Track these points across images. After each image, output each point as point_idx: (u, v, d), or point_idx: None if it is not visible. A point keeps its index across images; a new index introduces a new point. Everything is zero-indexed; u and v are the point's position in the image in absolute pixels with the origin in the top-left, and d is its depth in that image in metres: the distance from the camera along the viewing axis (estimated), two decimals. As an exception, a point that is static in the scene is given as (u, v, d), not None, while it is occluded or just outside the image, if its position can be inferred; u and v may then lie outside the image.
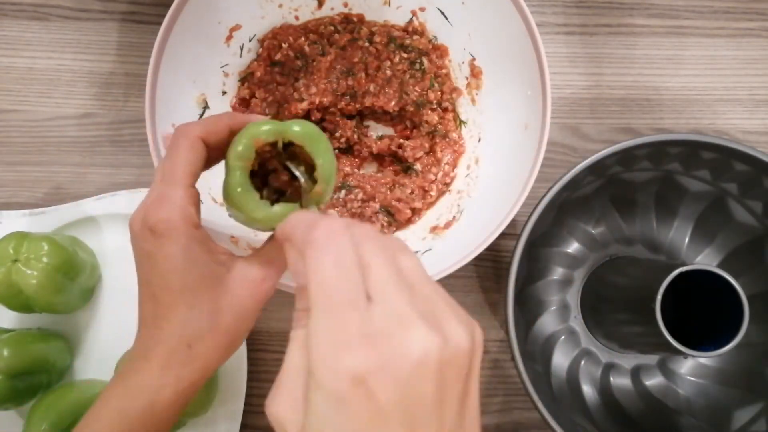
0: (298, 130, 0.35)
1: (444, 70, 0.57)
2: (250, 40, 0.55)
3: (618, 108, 0.61)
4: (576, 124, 0.61)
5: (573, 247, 0.57)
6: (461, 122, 0.57)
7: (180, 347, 0.34)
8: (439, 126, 0.57)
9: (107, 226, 0.57)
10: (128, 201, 0.57)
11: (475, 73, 0.55)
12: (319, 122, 0.57)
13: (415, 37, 0.57)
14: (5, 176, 0.60)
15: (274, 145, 0.35)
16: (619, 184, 0.54)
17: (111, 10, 0.61)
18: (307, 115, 0.56)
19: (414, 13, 0.56)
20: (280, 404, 0.26)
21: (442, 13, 0.54)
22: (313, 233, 0.27)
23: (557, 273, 0.57)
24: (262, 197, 0.35)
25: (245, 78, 0.56)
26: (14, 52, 0.61)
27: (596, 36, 0.62)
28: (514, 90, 0.51)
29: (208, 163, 0.37)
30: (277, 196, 0.37)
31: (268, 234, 0.39)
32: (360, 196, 0.56)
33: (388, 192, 0.56)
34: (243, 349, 0.55)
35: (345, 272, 0.26)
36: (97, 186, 0.59)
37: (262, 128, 0.35)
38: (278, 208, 0.35)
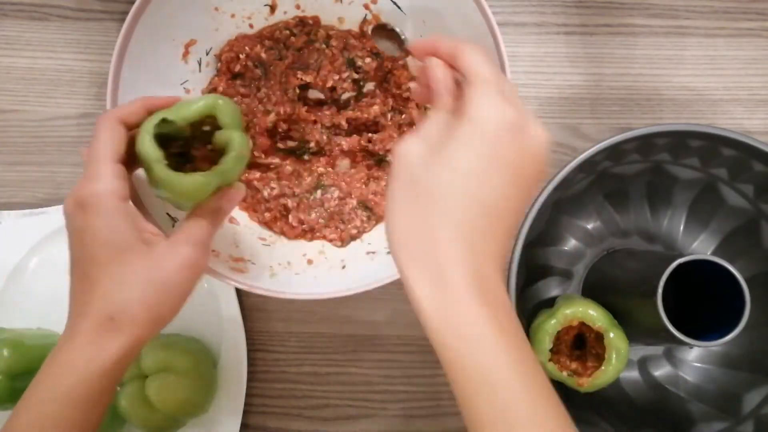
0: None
1: (401, 62, 0.56)
2: (207, 54, 0.54)
3: (618, 108, 0.61)
4: (576, 124, 0.61)
5: (570, 244, 0.57)
6: (426, 109, 0.56)
7: (103, 320, 0.34)
8: (403, 116, 0.56)
9: (107, 226, 0.57)
10: (128, 201, 0.57)
11: None
12: (287, 132, 0.57)
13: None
14: (5, 176, 0.60)
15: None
16: (611, 179, 0.54)
17: (111, 10, 0.61)
18: (275, 127, 0.56)
19: (367, 7, 0.54)
20: (413, 144, 0.34)
21: (393, 2, 0.53)
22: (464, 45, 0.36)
23: (556, 271, 0.57)
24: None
25: None
26: (14, 52, 0.61)
27: (596, 36, 0.62)
28: None
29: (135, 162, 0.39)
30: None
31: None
32: (336, 194, 0.56)
33: (364, 186, 0.56)
34: (243, 349, 0.55)
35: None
36: (97, 186, 0.59)
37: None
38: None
